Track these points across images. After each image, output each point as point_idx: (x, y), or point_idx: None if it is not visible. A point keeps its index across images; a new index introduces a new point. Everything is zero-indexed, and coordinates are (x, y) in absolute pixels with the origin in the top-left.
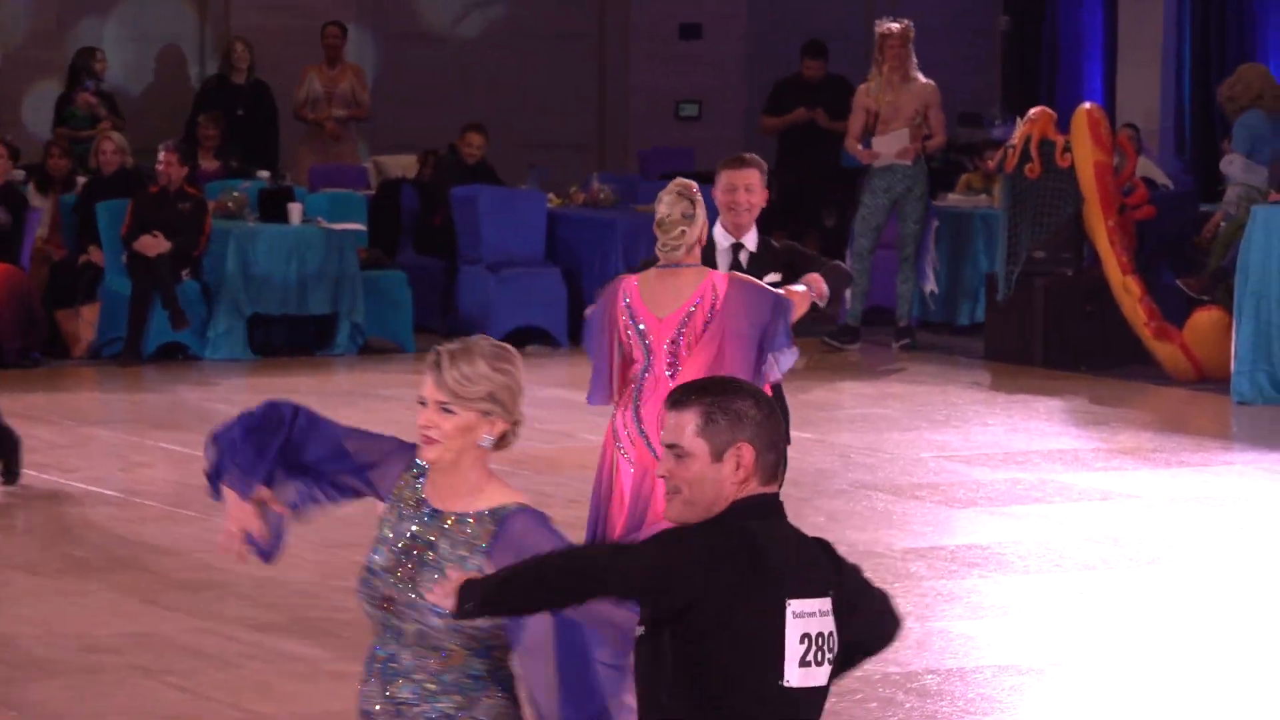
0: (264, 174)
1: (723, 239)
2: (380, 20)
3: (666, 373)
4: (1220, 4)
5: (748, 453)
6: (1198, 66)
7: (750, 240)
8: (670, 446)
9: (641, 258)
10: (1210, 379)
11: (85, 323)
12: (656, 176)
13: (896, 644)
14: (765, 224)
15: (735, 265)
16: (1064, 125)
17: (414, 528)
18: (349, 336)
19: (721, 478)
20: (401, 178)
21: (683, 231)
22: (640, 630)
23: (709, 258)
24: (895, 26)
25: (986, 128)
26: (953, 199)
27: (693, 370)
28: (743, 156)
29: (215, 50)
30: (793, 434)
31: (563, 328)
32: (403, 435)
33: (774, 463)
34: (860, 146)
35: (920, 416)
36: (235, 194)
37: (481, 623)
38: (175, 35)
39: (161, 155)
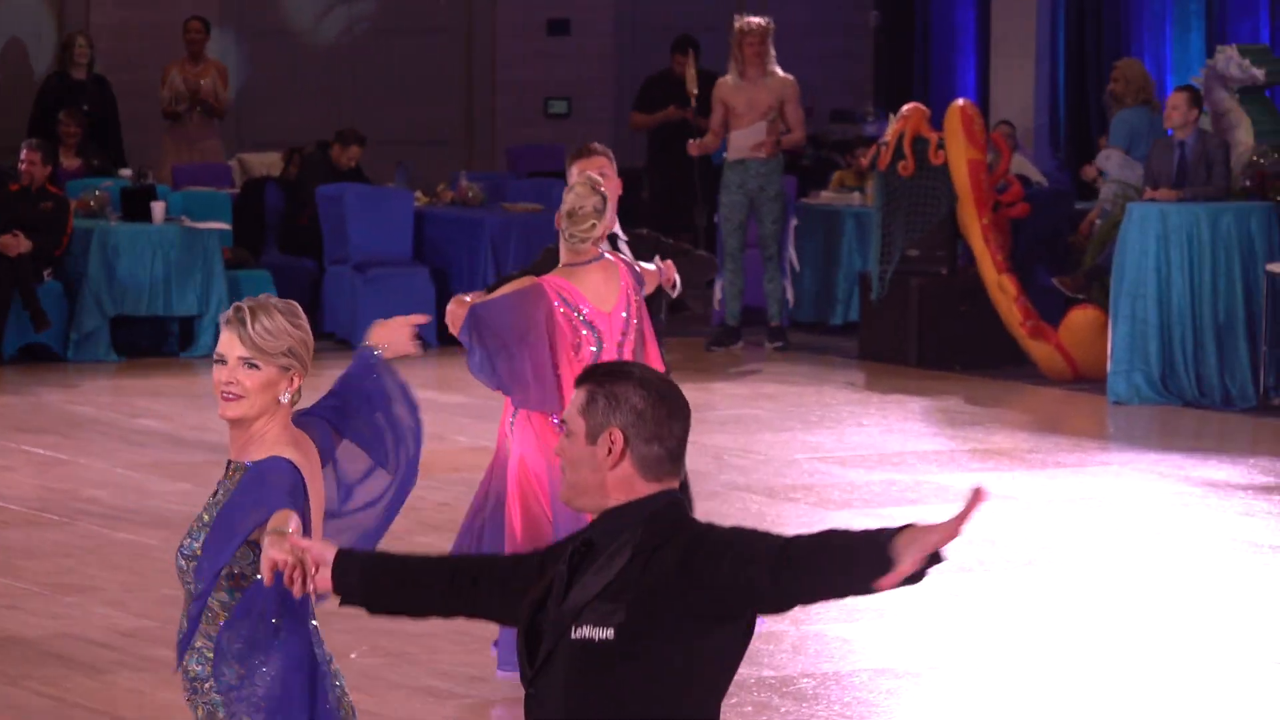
0: (126, 172)
1: None
2: (243, 16)
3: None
4: (1095, 0)
5: (618, 439)
6: (1072, 63)
7: (618, 229)
8: (561, 422)
9: (513, 257)
10: (1086, 379)
11: None
12: (526, 174)
13: (772, 649)
14: (638, 223)
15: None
16: (937, 122)
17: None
18: (214, 338)
19: (596, 462)
20: (266, 176)
21: (593, 225)
22: (606, 635)
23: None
24: (755, 22)
25: (859, 124)
26: (825, 197)
27: (632, 357)
28: (590, 146)
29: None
30: None
31: (431, 328)
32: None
33: (657, 457)
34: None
35: (794, 417)
36: (97, 192)
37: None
38: (28, 31)
39: (24, 154)
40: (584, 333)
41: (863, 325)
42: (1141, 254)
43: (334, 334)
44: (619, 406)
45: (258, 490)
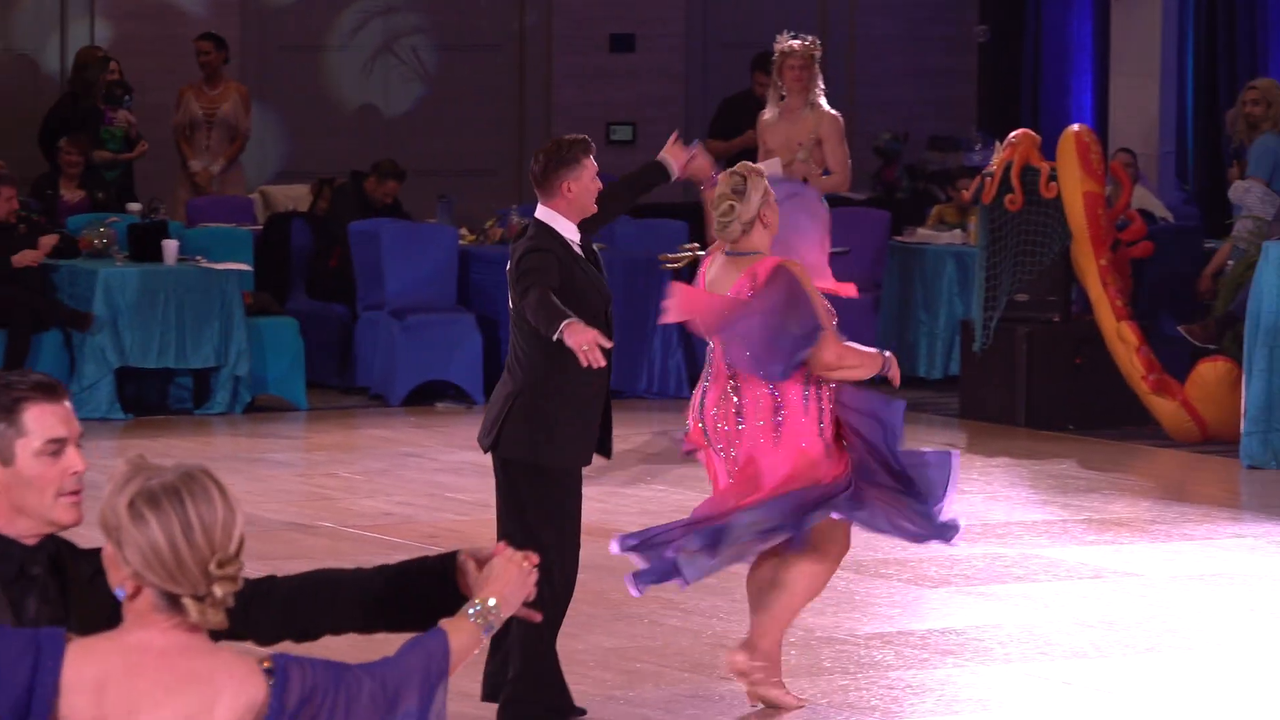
0: (135, 207)
1: (570, 230)
2: (267, 32)
3: (724, 362)
4: (1228, 13)
5: None
6: (1202, 84)
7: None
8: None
9: None
10: (1217, 440)
11: None
12: None
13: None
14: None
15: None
16: (1049, 150)
17: None
18: (232, 393)
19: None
20: (292, 211)
21: (730, 206)
22: None
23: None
24: (796, 44)
25: (961, 152)
26: (922, 234)
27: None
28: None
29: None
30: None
31: (478, 382)
32: (293, 505)
33: None
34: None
35: None
36: (102, 229)
37: None
38: (32, 45)
39: None
40: None
41: (964, 380)
42: None
43: (367, 389)
44: None
45: None
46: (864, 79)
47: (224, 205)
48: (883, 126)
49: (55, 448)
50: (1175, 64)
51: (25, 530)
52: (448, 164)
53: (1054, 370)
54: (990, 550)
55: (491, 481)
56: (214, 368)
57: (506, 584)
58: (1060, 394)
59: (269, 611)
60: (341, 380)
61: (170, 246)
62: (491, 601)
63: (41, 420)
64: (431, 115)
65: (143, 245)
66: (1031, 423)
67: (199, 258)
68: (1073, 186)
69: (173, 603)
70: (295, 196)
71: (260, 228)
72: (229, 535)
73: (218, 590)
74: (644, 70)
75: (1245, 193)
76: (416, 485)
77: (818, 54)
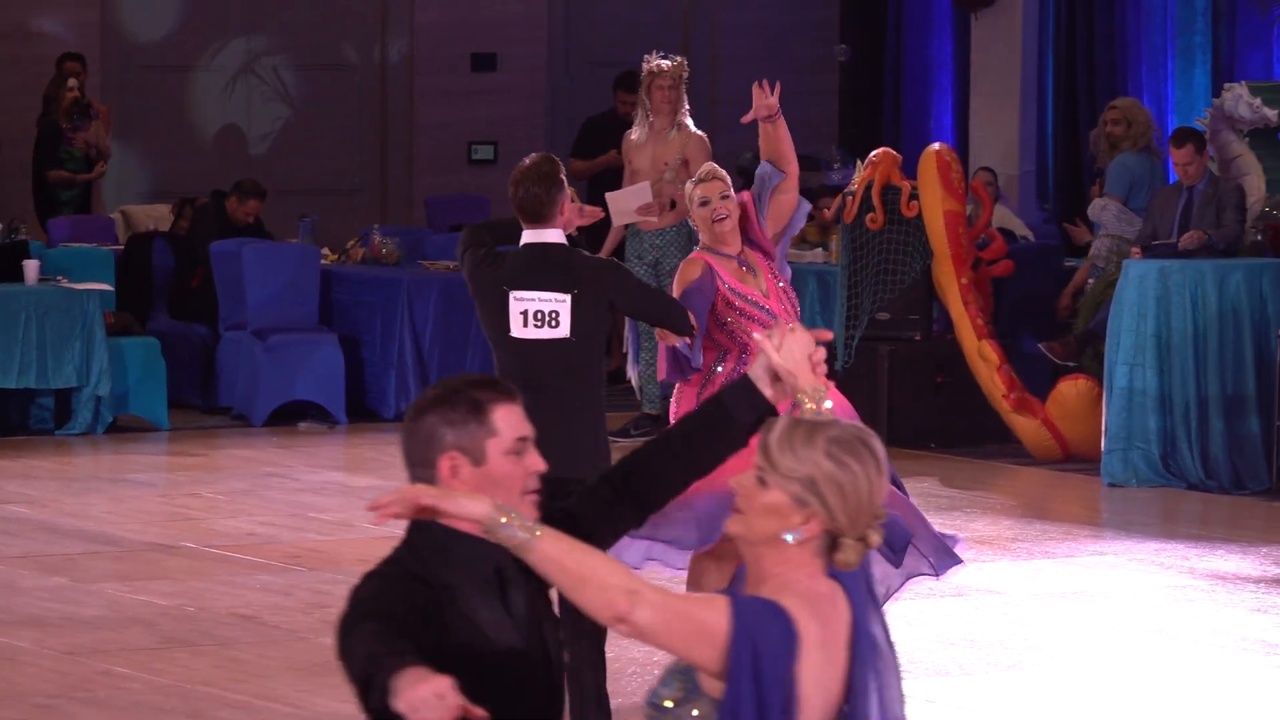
0: None
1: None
2: (127, 52)
3: None
4: (1088, 33)
5: None
6: (1062, 102)
7: None
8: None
9: (432, 321)
10: (1078, 458)
11: None
12: (447, 228)
13: None
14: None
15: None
16: (910, 169)
17: None
18: (94, 413)
19: None
20: (154, 231)
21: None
22: None
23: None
24: (666, 64)
25: (821, 172)
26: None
27: None
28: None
29: None
30: None
31: (340, 402)
32: (155, 525)
33: None
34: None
35: None
36: None
37: None
38: None
39: None
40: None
41: None
42: (1139, 317)
43: (230, 409)
44: None
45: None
46: (726, 98)
47: (85, 225)
48: (745, 146)
49: (522, 446)
50: (1035, 83)
51: None
52: (309, 183)
53: (915, 389)
54: None
55: (350, 502)
56: (75, 388)
57: (801, 362)
58: (922, 412)
59: (622, 506)
60: (204, 400)
61: (31, 266)
62: (812, 391)
63: (508, 419)
64: (293, 135)
65: (3, 265)
66: (893, 441)
67: (60, 278)
68: (934, 205)
69: (833, 545)
70: (156, 216)
71: (121, 247)
72: (885, 482)
73: (874, 535)
74: (506, 90)
75: (1102, 210)
76: (279, 505)
77: (686, 74)
